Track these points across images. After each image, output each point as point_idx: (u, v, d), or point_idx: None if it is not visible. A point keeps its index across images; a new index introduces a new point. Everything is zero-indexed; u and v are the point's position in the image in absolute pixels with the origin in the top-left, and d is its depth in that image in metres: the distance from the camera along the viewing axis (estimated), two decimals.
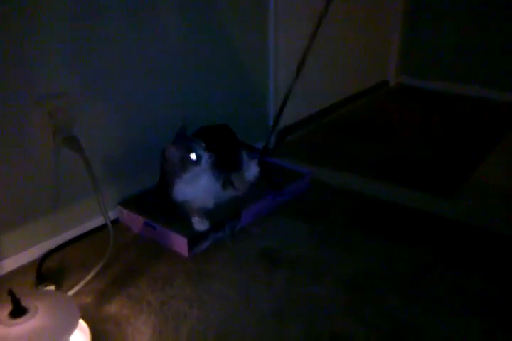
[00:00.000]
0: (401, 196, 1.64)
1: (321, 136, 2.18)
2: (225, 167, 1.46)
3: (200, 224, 1.36)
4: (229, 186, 1.47)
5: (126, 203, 1.49)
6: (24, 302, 0.93)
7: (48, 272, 1.27)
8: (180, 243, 1.33)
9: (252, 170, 1.59)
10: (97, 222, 1.44)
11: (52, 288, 1.19)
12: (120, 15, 1.34)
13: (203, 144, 1.36)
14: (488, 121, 2.30)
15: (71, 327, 0.93)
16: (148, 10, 1.40)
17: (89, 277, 1.21)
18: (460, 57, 2.58)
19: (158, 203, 1.45)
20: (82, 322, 1.03)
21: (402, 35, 2.75)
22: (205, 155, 1.35)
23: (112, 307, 1.16)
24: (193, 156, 1.34)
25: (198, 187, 1.38)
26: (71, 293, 1.17)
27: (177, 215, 1.39)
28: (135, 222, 1.44)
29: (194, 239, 1.33)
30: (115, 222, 1.44)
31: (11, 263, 1.29)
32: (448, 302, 1.16)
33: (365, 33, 2.46)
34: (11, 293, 0.92)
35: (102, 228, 1.41)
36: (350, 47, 2.38)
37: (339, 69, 2.35)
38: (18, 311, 0.91)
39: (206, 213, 1.39)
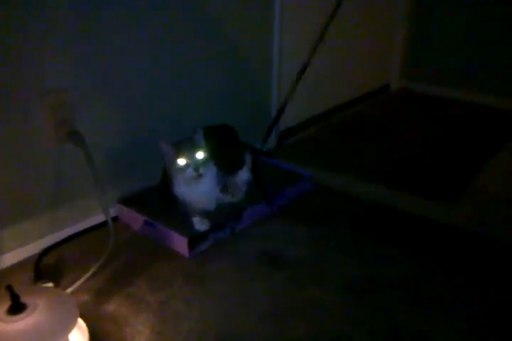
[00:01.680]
0: (401, 201, 1.63)
1: (322, 138, 2.17)
2: (226, 170, 1.42)
3: (200, 224, 1.35)
4: (225, 191, 1.42)
5: (126, 201, 1.48)
6: (23, 299, 0.91)
7: (46, 269, 1.26)
8: (180, 243, 1.32)
9: (241, 176, 1.49)
10: (97, 219, 1.43)
11: (50, 285, 1.18)
12: (127, 11, 1.33)
13: (201, 153, 1.28)
14: (491, 128, 2.30)
15: (70, 325, 0.92)
16: (155, 9, 1.40)
17: (88, 275, 1.19)
18: (464, 62, 2.57)
19: (160, 197, 1.43)
20: (80, 321, 1.02)
21: (405, 39, 2.74)
22: (191, 167, 1.27)
23: (111, 306, 1.14)
24: (180, 162, 1.28)
25: (197, 189, 1.33)
26: (69, 290, 1.16)
27: (178, 211, 1.38)
28: (135, 220, 1.43)
29: (194, 238, 1.32)
30: (114, 219, 1.42)
31: (8, 259, 1.27)
32: (448, 309, 1.16)
33: (367, 36, 2.46)
34: (9, 289, 0.90)
35: (102, 225, 1.40)
36: (352, 51, 2.38)
37: (341, 73, 2.35)
38: (17, 307, 0.90)
39: (207, 213, 1.38)
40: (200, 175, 1.29)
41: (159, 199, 1.45)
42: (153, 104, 1.50)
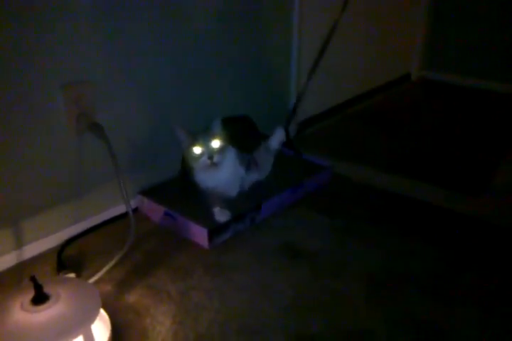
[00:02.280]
0: (422, 192, 1.61)
1: (341, 128, 2.15)
2: (246, 149, 1.43)
3: (221, 215, 1.35)
4: (254, 167, 1.41)
5: (146, 192, 1.48)
6: (46, 289, 0.92)
7: (68, 259, 1.27)
8: (200, 234, 1.32)
9: (277, 135, 1.51)
10: (118, 210, 1.44)
11: (72, 275, 1.19)
12: (149, 5, 1.33)
13: (217, 141, 1.28)
14: None
15: (93, 315, 0.93)
16: (176, 4, 1.39)
17: (109, 266, 1.20)
18: (486, 51, 2.53)
19: (180, 184, 1.44)
20: (102, 311, 1.03)
21: (427, 28, 2.70)
22: (205, 155, 1.27)
23: (132, 297, 1.15)
24: (196, 150, 1.29)
25: (216, 176, 1.35)
26: (91, 281, 1.17)
27: (198, 201, 1.38)
28: (155, 211, 1.44)
29: (214, 230, 1.32)
30: (135, 211, 1.43)
31: (31, 250, 1.29)
32: (471, 303, 1.14)
33: (388, 26, 2.42)
34: (33, 279, 0.91)
35: (123, 216, 1.41)
36: (373, 40, 2.35)
37: (361, 62, 2.32)
38: (41, 298, 0.91)
39: (227, 203, 1.38)
40: (214, 164, 1.30)
41: (179, 187, 1.46)
42: (173, 96, 1.50)
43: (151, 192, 1.48)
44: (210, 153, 1.29)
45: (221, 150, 1.31)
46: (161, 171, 1.53)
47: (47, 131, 1.23)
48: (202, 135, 1.30)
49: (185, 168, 1.38)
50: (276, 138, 1.52)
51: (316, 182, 1.61)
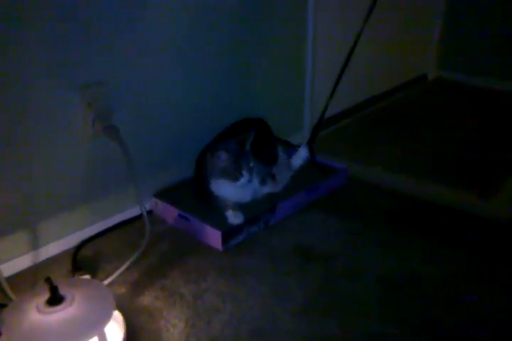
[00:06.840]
0: (439, 194, 1.59)
1: (356, 130, 2.14)
2: (263, 161, 1.43)
3: (234, 218, 1.35)
4: (270, 180, 1.42)
5: (160, 194, 1.49)
6: (61, 290, 0.93)
7: (83, 261, 1.28)
8: (214, 236, 1.32)
9: (301, 153, 1.59)
10: (132, 212, 1.44)
11: (87, 277, 1.20)
12: (165, 8, 1.34)
13: (252, 163, 1.33)
14: None
15: (107, 317, 0.93)
16: (196, 9, 1.41)
17: (123, 267, 1.21)
18: (503, 51, 2.49)
19: (194, 191, 1.44)
20: (116, 313, 1.03)
21: (443, 29, 2.67)
22: (245, 177, 1.31)
23: (146, 299, 1.16)
24: (244, 173, 1.31)
25: (236, 185, 1.34)
26: (106, 282, 1.18)
27: (212, 205, 1.39)
28: (169, 213, 1.44)
29: (228, 232, 1.32)
30: (149, 213, 1.44)
31: (46, 251, 1.30)
32: (488, 307, 1.12)
33: (404, 27, 2.41)
34: (48, 281, 0.92)
35: (137, 219, 1.42)
36: (389, 41, 2.33)
37: (377, 63, 2.31)
38: (56, 299, 0.91)
39: (241, 207, 1.38)
40: (249, 182, 1.33)
41: (193, 194, 1.46)
42: (188, 99, 1.50)
43: (165, 195, 1.49)
44: (250, 175, 1.31)
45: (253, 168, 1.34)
46: (175, 173, 1.54)
47: (63, 132, 1.24)
48: (240, 155, 1.31)
49: (199, 174, 1.38)
50: (300, 157, 1.58)
51: (331, 184, 1.60)
